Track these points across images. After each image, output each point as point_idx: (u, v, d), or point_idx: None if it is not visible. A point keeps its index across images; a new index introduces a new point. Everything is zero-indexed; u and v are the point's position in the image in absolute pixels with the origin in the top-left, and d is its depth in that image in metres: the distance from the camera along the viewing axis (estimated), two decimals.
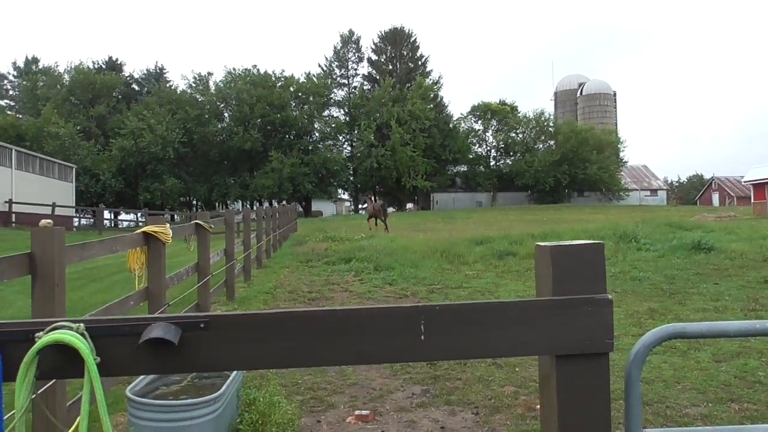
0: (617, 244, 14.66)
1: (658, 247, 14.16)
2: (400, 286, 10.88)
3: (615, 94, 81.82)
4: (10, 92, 68.06)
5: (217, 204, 59.34)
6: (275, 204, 51.87)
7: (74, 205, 40.62)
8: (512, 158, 64.52)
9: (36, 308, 3.23)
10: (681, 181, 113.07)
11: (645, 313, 8.01)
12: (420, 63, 67.67)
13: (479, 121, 65.15)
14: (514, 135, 64.09)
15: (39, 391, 2.60)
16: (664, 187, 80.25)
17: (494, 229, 22.91)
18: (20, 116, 58.06)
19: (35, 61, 66.05)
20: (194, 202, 62.20)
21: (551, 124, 64.75)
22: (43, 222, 3.86)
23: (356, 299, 9.92)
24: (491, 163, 66.04)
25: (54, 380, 2.73)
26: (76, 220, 40.97)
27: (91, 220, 41.38)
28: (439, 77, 77.75)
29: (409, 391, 5.17)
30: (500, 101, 65.99)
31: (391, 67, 66.91)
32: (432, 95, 61.80)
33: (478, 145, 65.63)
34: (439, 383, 5.31)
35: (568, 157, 59.44)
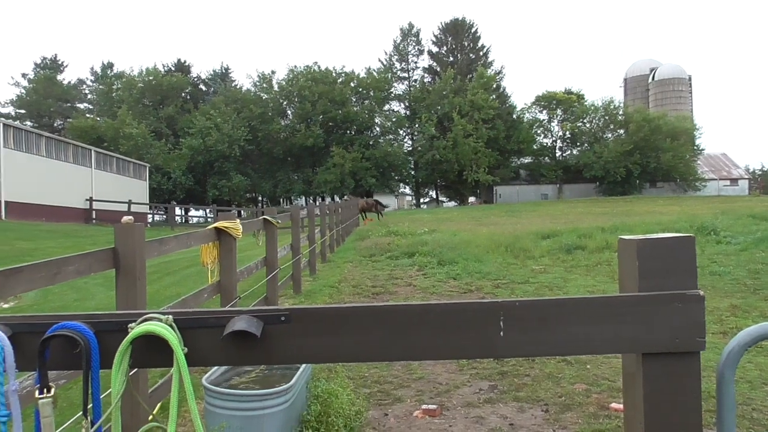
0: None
1: (740, 240, 13.48)
2: (464, 281, 10.77)
3: (690, 79, 78.19)
4: (89, 96, 71.39)
5: (281, 200, 60.56)
6: (337, 199, 52.52)
7: (148, 202, 42.29)
8: (579, 149, 62.80)
9: (120, 300, 3.39)
10: (765, 169, 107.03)
11: (726, 309, 7.66)
12: (481, 53, 66.85)
13: (544, 111, 63.70)
14: (581, 124, 62.21)
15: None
16: (746, 176, 76.15)
17: (561, 223, 22.42)
18: (98, 118, 60.87)
19: (110, 66, 69.22)
20: (259, 198, 63.70)
21: (621, 112, 62.53)
22: (125, 219, 4.03)
23: (420, 294, 9.90)
24: (557, 155, 64.49)
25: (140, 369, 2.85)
26: (149, 216, 42.68)
27: (164, 216, 42.99)
28: (501, 68, 76.94)
29: (476, 386, 5.13)
30: (566, 90, 64.35)
31: (451, 58, 66.38)
32: (494, 86, 60.89)
33: (543, 135, 64.21)
34: (506, 379, 5.25)
35: (639, 146, 57.12)
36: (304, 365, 4.03)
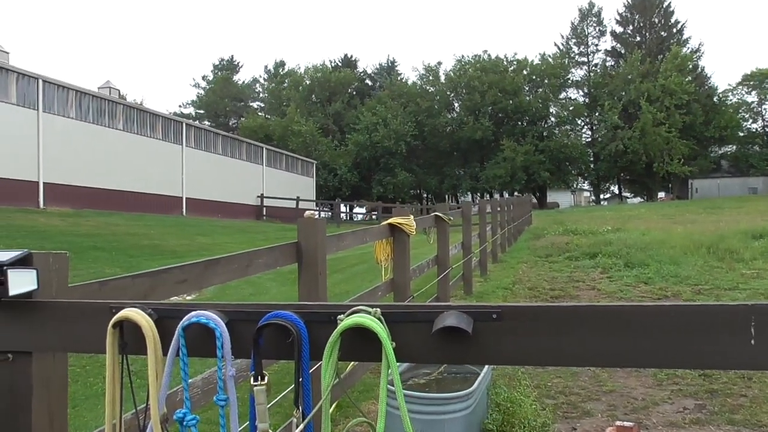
0: None
1: None
2: (657, 286, 10.16)
3: None
4: (261, 95, 77.22)
5: (447, 196, 61.04)
6: (506, 195, 51.79)
7: (315, 198, 44.77)
8: None
9: (302, 294, 3.60)
10: None
11: None
12: (675, 31, 62.18)
13: (753, 92, 57.73)
14: None
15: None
16: None
17: None
18: (268, 117, 65.65)
19: (282, 64, 74.15)
20: (424, 195, 64.73)
21: None
22: (308, 213, 4.31)
23: (605, 299, 9.49)
24: None
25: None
26: (316, 213, 45.16)
27: (329, 213, 45.26)
28: (699, 45, 70.73)
29: (678, 404, 4.79)
30: None
31: (638, 38, 62.52)
32: (690, 66, 56.39)
33: (751, 120, 58.30)
34: (717, 398, 4.83)
35: None
36: (485, 369, 4.01)
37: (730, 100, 57.79)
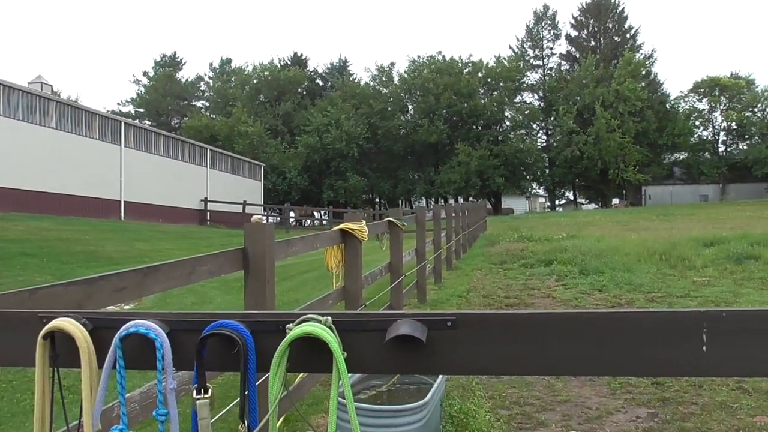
0: None
1: None
2: (612, 293, 10.40)
3: None
4: (206, 93, 76.16)
5: (400, 201, 61.33)
6: (461, 200, 52.33)
7: (263, 203, 44.32)
8: (748, 142, 58.44)
9: (249, 303, 3.55)
10: None
11: None
12: (628, 36, 64.15)
13: (704, 100, 59.98)
14: (750, 114, 57.91)
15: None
16: None
17: (726, 228, 20.97)
18: (213, 116, 64.78)
19: (228, 62, 73.34)
20: (377, 200, 64.89)
21: None
22: (255, 218, 4.22)
23: (561, 306, 9.65)
24: (720, 149, 60.45)
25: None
26: (264, 217, 44.72)
27: (278, 218, 44.87)
28: (651, 51, 73.47)
29: (632, 413, 4.91)
30: (732, 74, 60.24)
31: (593, 42, 64.22)
32: (643, 72, 58.20)
33: (702, 128, 60.54)
34: (669, 407, 4.97)
35: None
36: (438, 380, 4.03)
37: (682, 107, 59.86)
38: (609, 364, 1.24)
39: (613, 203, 59.88)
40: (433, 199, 58.44)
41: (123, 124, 30.60)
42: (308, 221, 48.24)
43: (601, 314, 1.24)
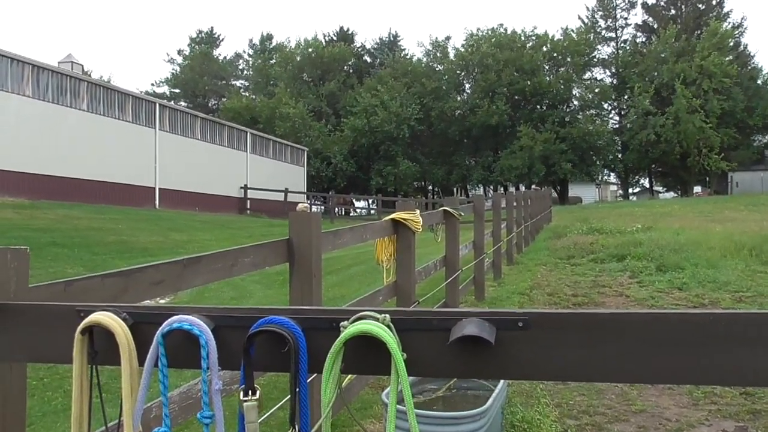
0: None
1: None
2: (693, 292, 10.21)
3: None
4: (245, 72, 77.10)
5: (455, 189, 61.07)
6: (523, 188, 51.80)
7: (305, 190, 44.75)
8: None
9: (294, 298, 3.59)
10: None
11: None
12: (714, 3, 62.17)
13: None
14: None
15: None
16: None
17: None
18: (253, 97, 65.52)
19: (269, 38, 73.97)
20: (430, 188, 64.76)
21: None
22: (301, 206, 4.29)
23: (635, 306, 9.53)
24: None
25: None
26: (308, 206, 45.21)
27: (322, 206, 45.25)
28: (741, 19, 70.87)
29: (717, 426, 4.80)
30: None
31: (673, 11, 62.51)
32: (731, 44, 56.42)
33: None
34: (761, 420, 4.86)
35: None
36: (500, 386, 4.01)
37: None
38: (693, 371, 1.21)
39: (694, 191, 58.42)
40: (491, 187, 57.99)
41: (158, 105, 31.27)
42: (342, 210, 48.43)
43: (690, 315, 1.20)
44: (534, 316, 1.26)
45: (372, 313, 1.30)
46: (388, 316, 1.30)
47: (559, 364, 1.26)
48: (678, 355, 1.21)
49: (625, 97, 58.43)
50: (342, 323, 1.31)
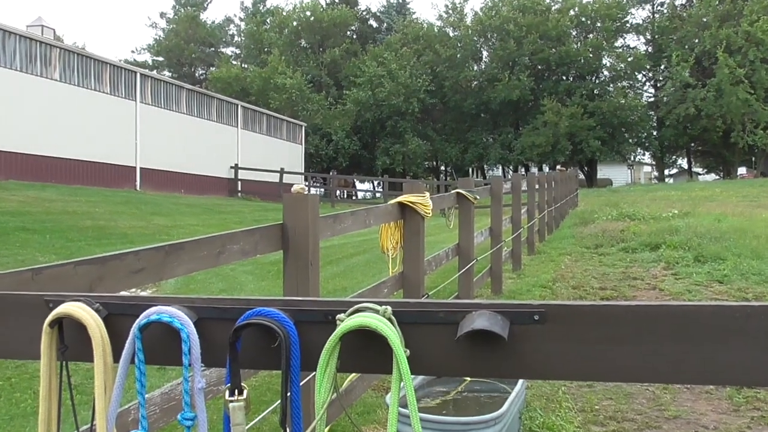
0: None
1: None
2: (735, 286, 10.21)
3: None
4: (236, 39, 76.96)
5: (471, 169, 60.99)
6: (546, 169, 51.71)
7: (303, 171, 44.74)
8: None
9: (289, 290, 3.60)
10: None
11: None
12: None
13: None
14: None
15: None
16: None
17: None
18: (245, 66, 65.42)
19: (262, 0, 73.66)
20: (442, 168, 64.70)
21: None
22: (297, 187, 4.26)
23: (669, 301, 9.53)
24: None
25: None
26: (306, 187, 45.15)
27: (321, 189, 45.28)
28: None
29: None
30: None
31: None
32: None
33: None
34: None
35: None
36: (517, 387, 4.02)
37: None
38: (734, 371, 1.21)
39: (738, 173, 58.22)
40: (511, 167, 57.81)
41: (138, 75, 31.25)
42: (344, 193, 48.36)
43: (728, 308, 1.20)
44: (551, 308, 1.26)
45: (372, 305, 1.31)
46: (389, 308, 1.30)
47: (580, 363, 1.26)
48: (716, 353, 1.21)
49: (662, 67, 58.10)
50: (338, 316, 1.31)
